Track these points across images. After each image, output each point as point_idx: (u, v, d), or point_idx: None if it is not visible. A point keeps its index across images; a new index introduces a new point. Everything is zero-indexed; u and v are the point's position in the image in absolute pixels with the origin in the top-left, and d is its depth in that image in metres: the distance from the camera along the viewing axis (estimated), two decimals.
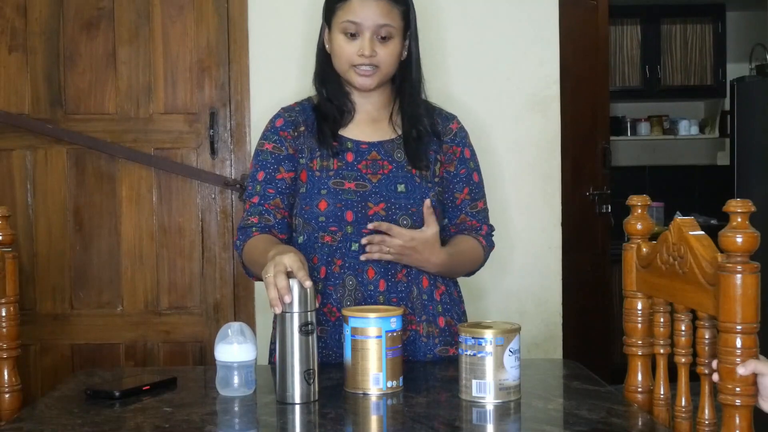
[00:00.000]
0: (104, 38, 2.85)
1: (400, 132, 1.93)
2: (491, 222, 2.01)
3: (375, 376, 1.58)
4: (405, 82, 1.94)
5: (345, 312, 1.61)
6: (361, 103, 1.94)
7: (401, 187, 1.86)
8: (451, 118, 2.00)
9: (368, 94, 1.92)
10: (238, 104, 2.85)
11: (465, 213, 1.95)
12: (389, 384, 1.58)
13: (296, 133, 1.91)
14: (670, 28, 5.70)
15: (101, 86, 2.86)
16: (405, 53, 1.92)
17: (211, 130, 2.84)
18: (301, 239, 1.88)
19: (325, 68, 1.93)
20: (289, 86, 2.60)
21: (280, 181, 1.88)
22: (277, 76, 2.77)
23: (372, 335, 1.57)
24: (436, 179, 1.91)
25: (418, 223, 1.84)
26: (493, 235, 2.00)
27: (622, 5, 5.33)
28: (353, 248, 1.84)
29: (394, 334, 1.59)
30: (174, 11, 2.85)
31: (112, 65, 2.85)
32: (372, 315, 1.58)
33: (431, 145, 1.93)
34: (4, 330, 1.79)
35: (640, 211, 1.69)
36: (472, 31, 2.81)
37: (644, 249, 1.67)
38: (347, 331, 1.59)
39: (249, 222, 1.88)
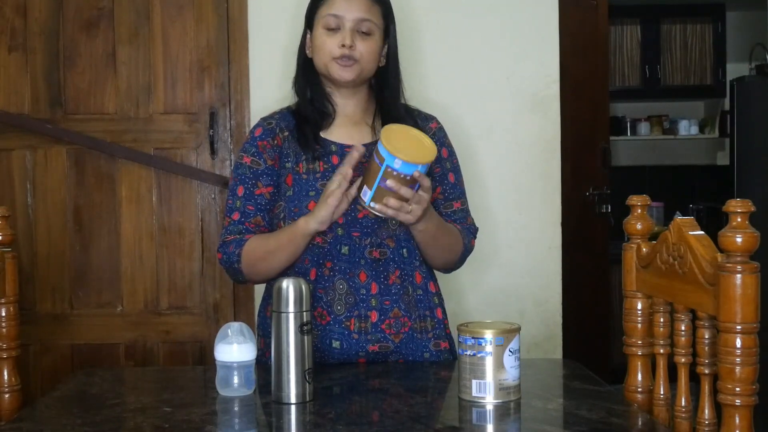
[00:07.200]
0: (104, 38, 2.85)
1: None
2: (479, 224, 2.04)
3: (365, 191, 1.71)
4: (384, 88, 1.96)
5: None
6: (341, 104, 1.96)
7: None
8: (430, 118, 2.03)
9: (349, 94, 1.94)
10: (237, 104, 2.84)
11: (439, 213, 1.96)
12: (372, 205, 1.70)
13: (277, 140, 1.92)
14: (670, 28, 5.70)
15: (101, 86, 2.86)
16: (383, 59, 1.94)
17: (211, 130, 2.84)
18: None
19: (306, 71, 1.97)
20: (288, 86, 2.58)
21: (259, 196, 1.89)
22: (277, 76, 2.77)
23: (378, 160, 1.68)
24: None
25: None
26: (474, 233, 2.00)
27: (622, 5, 5.32)
28: (343, 251, 1.84)
29: (394, 173, 1.66)
30: (174, 11, 2.85)
31: (111, 65, 2.85)
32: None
33: None
34: (4, 330, 1.79)
35: (639, 211, 1.69)
36: (472, 31, 2.81)
37: (644, 249, 1.67)
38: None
39: (229, 240, 1.87)
